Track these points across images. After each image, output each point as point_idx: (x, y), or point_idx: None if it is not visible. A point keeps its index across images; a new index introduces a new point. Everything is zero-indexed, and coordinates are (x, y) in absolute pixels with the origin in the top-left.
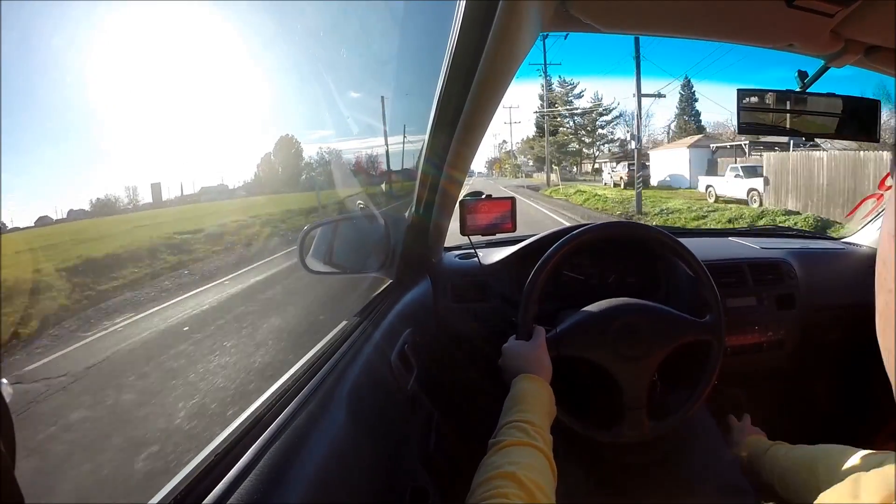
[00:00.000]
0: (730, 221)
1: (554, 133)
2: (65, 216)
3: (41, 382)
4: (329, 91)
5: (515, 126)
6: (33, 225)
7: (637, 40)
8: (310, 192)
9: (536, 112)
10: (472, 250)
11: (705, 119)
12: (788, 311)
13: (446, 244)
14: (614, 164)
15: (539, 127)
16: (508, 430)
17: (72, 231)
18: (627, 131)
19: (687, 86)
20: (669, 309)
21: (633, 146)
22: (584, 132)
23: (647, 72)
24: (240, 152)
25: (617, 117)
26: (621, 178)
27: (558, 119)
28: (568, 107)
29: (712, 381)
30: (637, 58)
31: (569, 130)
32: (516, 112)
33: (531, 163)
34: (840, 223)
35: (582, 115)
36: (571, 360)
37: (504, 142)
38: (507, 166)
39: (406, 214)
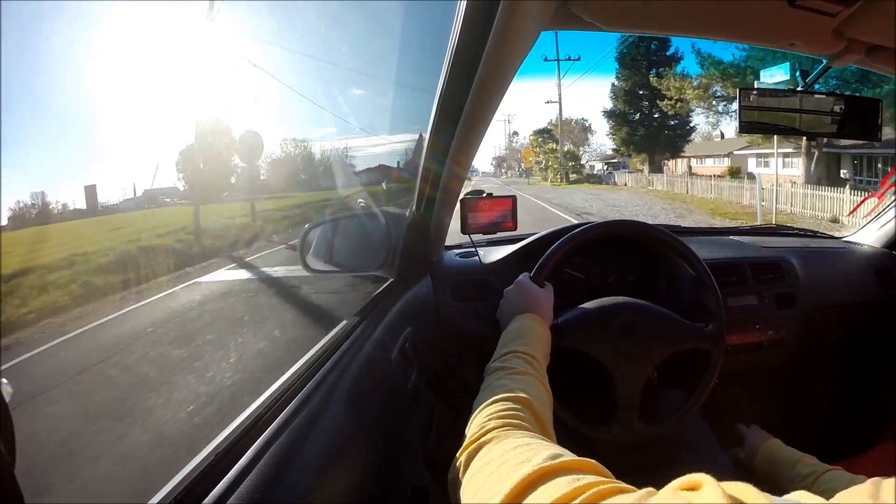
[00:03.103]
0: None
1: (662, 63)
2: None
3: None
4: (330, 90)
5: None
6: None
7: None
8: (309, 192)
9: None
10: (473, 249)
11: None
12: (789, 309)
13: (446, 243)
14: None
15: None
16: (514, 359)
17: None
18: None
19: None
20: (672, 313)
21: None
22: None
23: None
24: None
25: None
26: None
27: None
28: None
29: (708, 390)
30: None
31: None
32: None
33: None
34: None
35: None
36: (570, 353)
37: (515, 133)
38: (542, 158)
39: (407, 213)
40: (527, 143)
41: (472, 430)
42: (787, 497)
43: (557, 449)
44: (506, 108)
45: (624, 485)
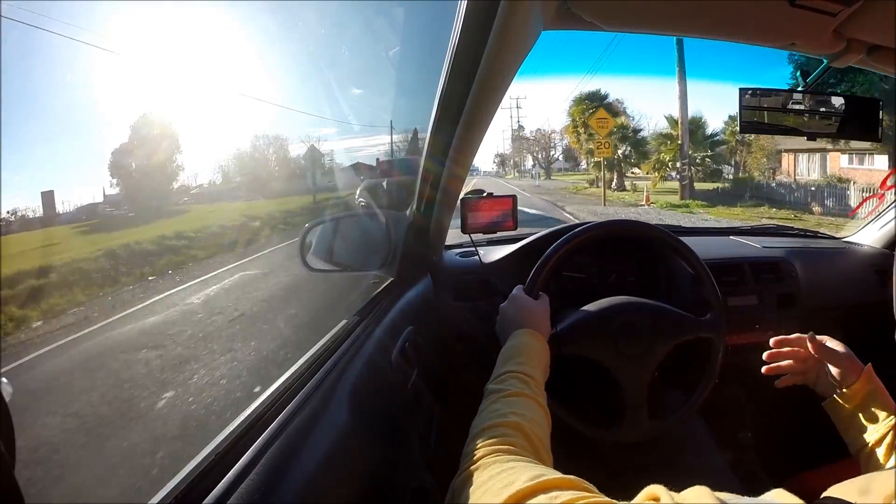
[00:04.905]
0: None
1: None
2: None
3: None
4: (331, 90)
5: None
6: None
7: None
8: (308, 193)
9: None
10: (473, 248)
11: None
12: (789, 310)
13: (446, 242)
14: None
15: None
16: (510, 379)
17: None
18: None
19: None
20: (670, 307)
21: None
22: None
23: None
24: (239, 152)
25: None
26: None
27: None
28: None
29: (713, 380)
30: None
31: None
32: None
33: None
34: None
35: None
36: (572, 359)
37: (521, 127)
38: (602, 145)
39: (407, 212)
40: (569, 115)
41: (464, 457)
42: (763, 497)
43: (540, 469)
44: (514, 91)
45: (601, 497)
